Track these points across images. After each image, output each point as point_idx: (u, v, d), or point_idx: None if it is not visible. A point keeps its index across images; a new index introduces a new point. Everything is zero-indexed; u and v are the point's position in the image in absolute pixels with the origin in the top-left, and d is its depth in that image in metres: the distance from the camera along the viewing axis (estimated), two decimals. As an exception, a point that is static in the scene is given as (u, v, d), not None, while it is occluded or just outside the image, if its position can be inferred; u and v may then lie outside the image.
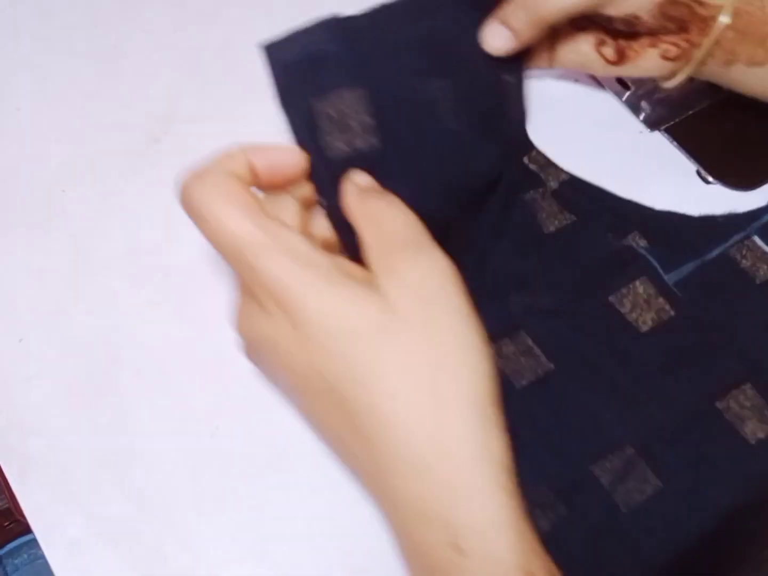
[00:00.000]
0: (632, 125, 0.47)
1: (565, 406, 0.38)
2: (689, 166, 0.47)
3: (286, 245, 0.28)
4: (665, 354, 0.39)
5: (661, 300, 0.41)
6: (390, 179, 0.33)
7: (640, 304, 0.41)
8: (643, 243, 0.43)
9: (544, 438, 0.38)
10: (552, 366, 0.39)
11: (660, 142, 0.47)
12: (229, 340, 0.41)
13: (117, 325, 0.41)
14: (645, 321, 0.40)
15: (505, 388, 0.37)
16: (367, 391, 0.28)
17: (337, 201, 0.32)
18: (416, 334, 0.28)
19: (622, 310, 0.41)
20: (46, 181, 0.46)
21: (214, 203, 0.29)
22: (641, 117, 0.48)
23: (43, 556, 0.36)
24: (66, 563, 0.36)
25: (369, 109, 0.33)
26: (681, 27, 0.40)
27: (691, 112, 0.48)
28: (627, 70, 0.43)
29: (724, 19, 0.39)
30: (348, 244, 0.32)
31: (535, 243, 0.43)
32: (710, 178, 0.46)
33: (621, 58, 0.42)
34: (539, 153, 0.46)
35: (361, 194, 0.32)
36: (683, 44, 0.40)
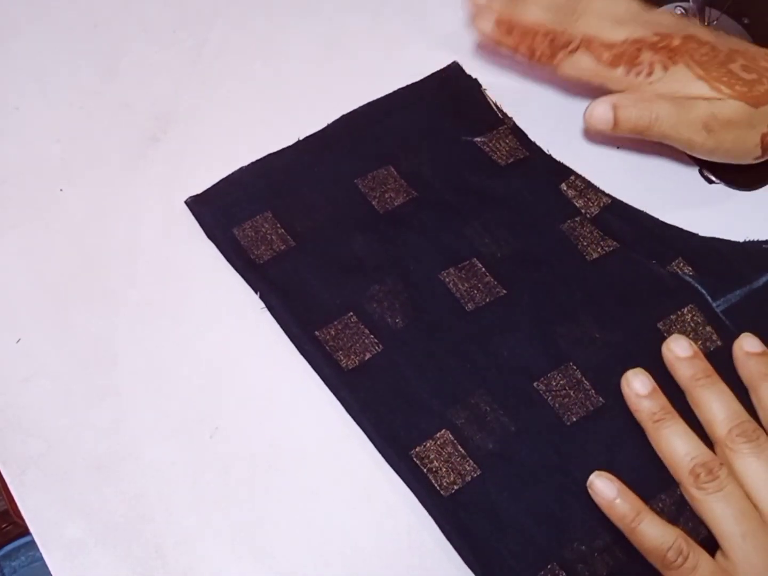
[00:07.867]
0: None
1: (619, 443, 0.37)
2: (692, 166, 0.47)
3: None
4: None
5: (708, 329, 0.40)
6: (305, 267, 0.42)
7: (688, 333, 0.40)
8: (687, 270, 0.42)
9: None
10: (602, 400, 0.38)
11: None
12: (228, 340, 0.41)
13: (116, 325, 0.41)
14: None
15: (555, 424, 0.38)
16: None
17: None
18: None
19: None
20: (45, 180, 0.46)
21: None
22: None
23: (41, 558, 0.36)
24: (64, 565, 0.36)
25: (281, 223, 0.43)
26: None
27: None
28: None
29: None
30: None
31: (578, 272, 0.42)
32: (713, 178, 0.46)
33: None
34: (579, 177, 0.45)
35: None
36: None
